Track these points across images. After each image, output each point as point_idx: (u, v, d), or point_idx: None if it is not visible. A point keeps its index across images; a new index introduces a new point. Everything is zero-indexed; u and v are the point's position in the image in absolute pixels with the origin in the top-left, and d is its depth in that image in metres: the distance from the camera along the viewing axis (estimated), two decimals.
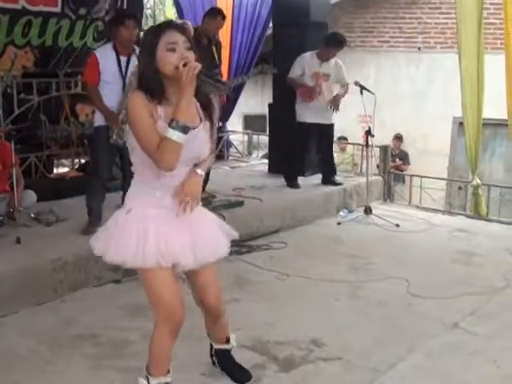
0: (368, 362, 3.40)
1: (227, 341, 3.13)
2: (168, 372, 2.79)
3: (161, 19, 8.56)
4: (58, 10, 7.47)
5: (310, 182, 6.94)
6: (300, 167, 6.89)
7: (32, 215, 5.13)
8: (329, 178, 6.82)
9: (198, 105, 2.60)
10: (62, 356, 3.39)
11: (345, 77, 6.73)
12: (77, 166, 6.86)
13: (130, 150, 2.59)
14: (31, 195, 5.40)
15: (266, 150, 8.80)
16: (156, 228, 2.54)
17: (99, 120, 4.95)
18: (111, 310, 4.08)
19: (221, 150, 8.41)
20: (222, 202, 5.79)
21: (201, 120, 2.60)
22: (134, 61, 4.84)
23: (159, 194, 2.57)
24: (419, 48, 11.16)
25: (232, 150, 9.12)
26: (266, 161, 8.03)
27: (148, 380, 2.76)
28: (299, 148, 6.75)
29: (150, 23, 8.42)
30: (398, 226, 6.11)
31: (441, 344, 3.62)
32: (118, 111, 4.77)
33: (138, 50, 4.87)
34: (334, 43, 6.51)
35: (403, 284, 4.52)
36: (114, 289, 4.47)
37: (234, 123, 9.98)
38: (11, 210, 5.02)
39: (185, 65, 2.38)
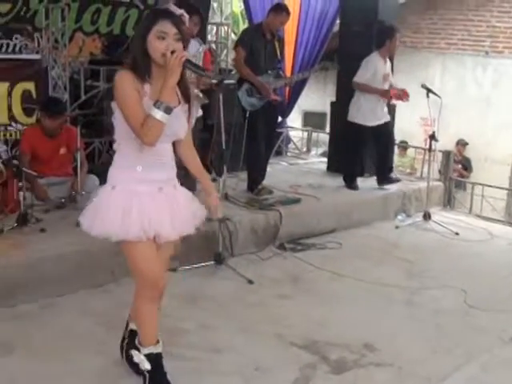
0: (420, 370, 3.34)
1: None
2: (158, 342, 2.92)
3: (227, 13, 8.59)
4: None
5: (369, 183, 6.86)
6: (360, 168, 6.82)
7: (93, 199, 5.24)
8: (385, 176, 6.73)
9: (178, 89, 2.78)
10: (117, 339, 3.44)
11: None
12: None
13: (114, 126, 2.74)
14: (94, 180, 5.51)
15: (325, 148, 8.76)
16: (139, 204, 2.70)
17: None
18: (166, 297, 4.07)
19: (279, 145, 8.39)
20: (279, 197, 5.78)
21: (179, 102, 2.78)
22: (192, 50, 4.86)
23: (140, 168, 2.72)
24: (487, 52, 10.88)
25: (291, 146, 9.10)
26: (325, 159, 7.98)
27: (139, 350, 2.92)
28: (359, 148, 6.68)
29: (217, 18, 8.45)
30: (457, 234, 5.99)
31: (497, 358, 3.54)
32: None
33: (195, 41, 4.90)
34: (391, 35, 6.43)
35: (460, 294, 4.42)
36: (170, 277, 4.49)
37: (294, 119, 9.95)
38: (73, 193, 5.15)
39: (172, 52, 2.57)
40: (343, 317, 3.99)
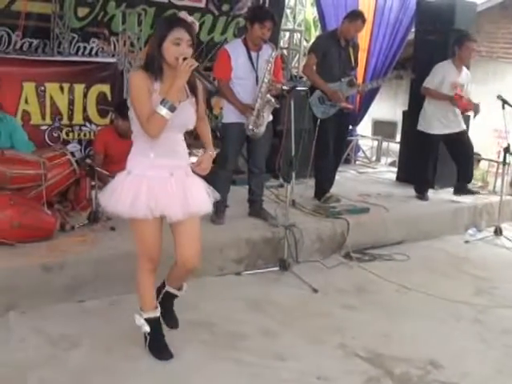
0: None
1: (180, 288, 3.47)
2: (156, 307, 3.31)
3: (300, 20, 8.57)
4: (202, 5, 7.76)
5: (439, 195, 6.70)
6: (431, 178, 6.67)
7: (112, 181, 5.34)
8: (463, 185, 6.54)
9: (186, 84, 3.10)
10: (179, 340, 3.48)
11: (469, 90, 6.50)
12: None
13: (130, 120, 3.13)
14: None
15: (394, 158, 8.61)
16: (148, 187, 3.05)
17: (230, 117, 5.00)
18: (230, 301, 4.15)
19: (349, 153, 8.32)
20: (347, 206, 5.72)
21: (187, 96, 3.13)
22: (264, 55, 4.87)
23: (153, 156, 3.07)
24: None
25: (360, 154, 9.00)
26: (394, 169, 7.85)
27: (141, 315, 3.27)
28: (428, 157, 6.53)
29: (290, 24, 8.45)
30: None
31: None
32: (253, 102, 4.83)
33: (267, 46, 4.89)
34: (460, 43, 6.26)
35: None
36: (234, 280, 4.55)
37: (364, 128, 9.83)
38: None
39: (184, 59, 2.93)
40: (409, 331, 3.90)
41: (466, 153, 6.58)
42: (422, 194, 6.51)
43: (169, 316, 3.49)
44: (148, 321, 3.27)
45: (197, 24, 3.18)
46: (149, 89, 3.00)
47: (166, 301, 3.46)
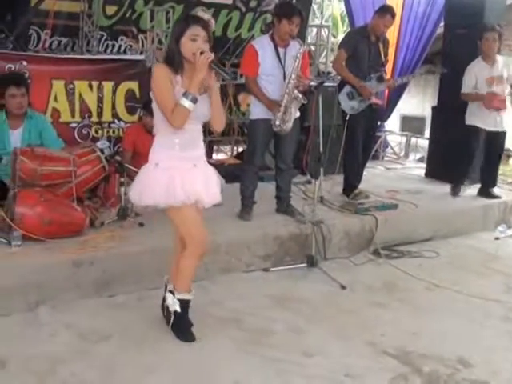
0: None
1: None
2: (191, 291, 3.45)
3: (327, 15, 8.53)
4: (229, 1, 7.78)
5: (469, 192, 6.61)
6: (466, 174, 6.54)
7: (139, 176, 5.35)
8: (487, 190, 6.45)
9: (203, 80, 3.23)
10: (208, 335, 3.50)
11: None
12: (235, 154, 7.06)
13: (154, 113, 3.27)
14: None
15: (423, 153, 8.53)
16: (180, 175, 3.22)
17: (257, 113, 5.00)
18: (258, 297, 4.15)
19: (377, 149, 8.26)
20: (375, 202, 5.67)
21: (204, 90, 3.25)
22: (292, 51, 4.85)
23: (178, 147, 3.24)
24: None
25: (388, 150, 8.93)
26: (423, 164, 7.78)
27: (173, 294, 3.41)
28: (471, 152, 6.42)
29: (317, 20, 8.42)
30: None
31: None
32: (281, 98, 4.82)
33: (295, 42, 4.87)
34: (480, 36, 6.15)
35: None
36: (262, 277, 4.55)
37: (392, 123, 9.75)
38: None
39: (201, 53, 3.10)
40: (438, 328, 3.86)
41: (498, 154, 6.49)
42: (457, 189, 6.41)
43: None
44: (181, 301, 3.41)
45: (213, 21, 3.41)
46: (171, 81, 3.16)
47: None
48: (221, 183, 3.45)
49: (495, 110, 6.17)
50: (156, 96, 3.19)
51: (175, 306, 3.42)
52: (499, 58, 6.30)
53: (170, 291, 3.46)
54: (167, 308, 3.49)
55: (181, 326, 3.46)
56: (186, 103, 3.10)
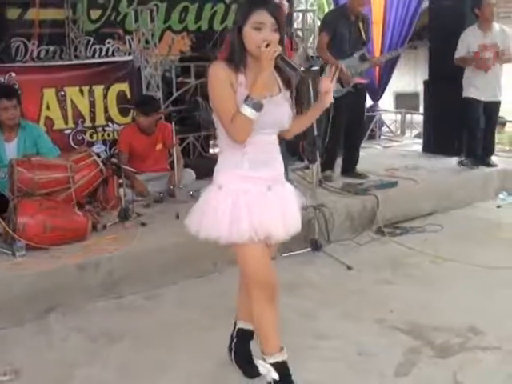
0: None
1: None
2: (282, 349, 2.76)
3: (312, 0, 8.50)
4: None
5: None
6: (474, 147, 6.47)
7: (190, 193, 5.36)
8: (484, 159, 6.45)
9: (279, 76, 2.65)
10: (218, 328, 3.49)
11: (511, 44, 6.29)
12: None
13: (215, 123, 2.64)
14: (190, 173, 5.66)
15: (419, 129, 8.53)
16: (248, 203, 2.57)
17: None
18: None
19: (372, 129, 8.26)
20: (375, 182, 5.69)
21: (280, 90, 2.65)
22: None
23: (247, 165, 2.59)
24: None
25: (384, 129, 8.93)
26: (420, 140, 7.77)
27: (264, 360, 2.76)
28: (469, 127, 6.42)
29: (302, 5, 8.39)
30: None
31: None
32: None
33: None
34: (478, 2, 6.14)
35: None
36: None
37: (386, 102, 9.74)
38: (171, 187, 5.30)
39: (267, 46, 2.44)
40: (447, 301, 3.87)
41: (493, 124, 6.48)
42: (476, 162, 6.38)
43: (247, 361, 3.06)
44: (275, 366, 2.74)
45: (286, 4, 2.63)
46: (232, 83, 2.52)
47: (242, 342, 3.07)
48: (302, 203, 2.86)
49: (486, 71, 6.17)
50: (213, 103, 2.56)
51: (272, 375, 2.74)
52: (496, 26, 6.27)
53: (263, 359, 2.77)
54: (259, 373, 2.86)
55: None
56: (247, 111, 2.43)
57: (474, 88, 6.22)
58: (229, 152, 2.62)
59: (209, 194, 2.65)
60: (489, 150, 6.55)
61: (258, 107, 2.44)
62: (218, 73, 2.52)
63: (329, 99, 2.72)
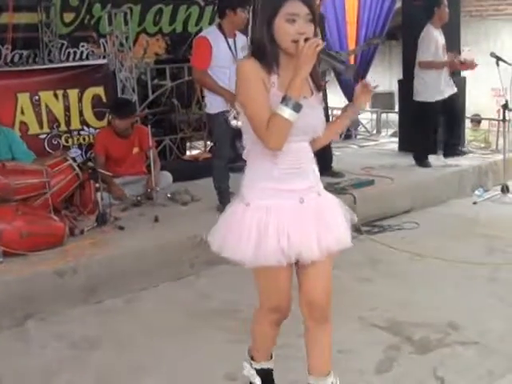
0: (507, 347, 3.24)
1: (328, 373, 2.56)
2: (271, 358, 2.72)
3: None
4: None
5: (443, 160, 6.68)
6: (431, 145, 6.64)
7: (168, 195, 5.36)
8: (456, 149, 6.54)
9: (310, 78, 2.37)
10: (199, 328, 3.51)
11: None
12: (209, 148, 7.06)
13: (242, 131, 2.39)
14: (167, 176, 5.65)
15: (395, 128, 8.60)
16: (277, 222, 2.30)
17: (215, 107, 4.86)
18: (248, 286, 4.14)
19: (349, 129, 8.30)
20: (352, 181, 5.73)
21: (312, 92, 2.39)
22: (239, 42, 4.82)
23: (277, 176, 2.32)
24: None
25: (360, 128, 8.99)
26: (396, 139, 7.84)
27: (251, 364, 2.72)
28: (428, 126, 6.52)
29: None
30: None
31: None
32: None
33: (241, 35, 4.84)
34: (438, 2, 6.25)
35: None
36: (248, 268, 4.54)
37: None
38: (149, 190, 5.28)
39: (306, 40, 2.17)
40: (425, 297, 3.91)
41: (455, 116, 6.60)
42: (422, 162, 6.49)
43: None
44: (260, 372, 2.70)
45: None
46: (264, 83, 2.24)
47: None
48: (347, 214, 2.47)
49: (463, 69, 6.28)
50: (244, 105, 2.26)
51: (255, 380, 2.69)
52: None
53: (250, 363, 2.73)
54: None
55: None
56: (287, 112, 2.14)
57: (436, 90, 6.31)
58: (257, 164, 2.35)
59: (234, 210, 2.40)
60: (459, 140, 6.64)
61: (297, 108, 2.17)
62: (249, 70, 2.24)
63: (365, 102, 2.47)
